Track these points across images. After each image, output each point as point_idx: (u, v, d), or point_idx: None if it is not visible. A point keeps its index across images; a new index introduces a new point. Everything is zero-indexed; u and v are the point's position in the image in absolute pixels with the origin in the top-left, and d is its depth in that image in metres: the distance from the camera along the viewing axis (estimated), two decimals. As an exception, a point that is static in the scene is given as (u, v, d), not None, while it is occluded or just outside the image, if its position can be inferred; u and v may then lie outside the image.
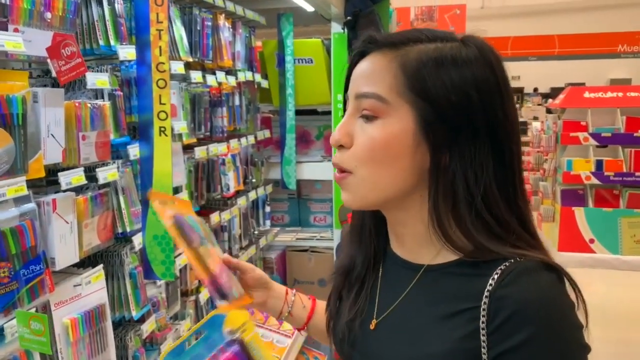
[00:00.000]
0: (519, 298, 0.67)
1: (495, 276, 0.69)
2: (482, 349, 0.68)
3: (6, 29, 1.27)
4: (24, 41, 1.29)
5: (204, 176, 2.38)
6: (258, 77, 2.95)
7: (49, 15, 1.40)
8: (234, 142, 2.65)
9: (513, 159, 0.75)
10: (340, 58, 2.94)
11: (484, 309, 0.68)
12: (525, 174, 7.35)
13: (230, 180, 2.61)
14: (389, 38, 0.77)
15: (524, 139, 7.45)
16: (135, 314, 1.71)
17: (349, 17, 2.76)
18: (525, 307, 0.66)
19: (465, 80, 0.72)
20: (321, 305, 1.03)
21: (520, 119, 8.55)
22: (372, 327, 0.82)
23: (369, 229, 0.87)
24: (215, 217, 2.44)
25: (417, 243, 0.79)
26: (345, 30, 2.84)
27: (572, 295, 0.71)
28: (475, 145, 0.72)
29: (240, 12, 2.63)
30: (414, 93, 0.72)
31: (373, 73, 0.75)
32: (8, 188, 1.23)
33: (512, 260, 0.70)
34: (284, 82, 3.11)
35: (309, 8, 2.83)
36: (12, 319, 1.25)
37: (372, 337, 0.81)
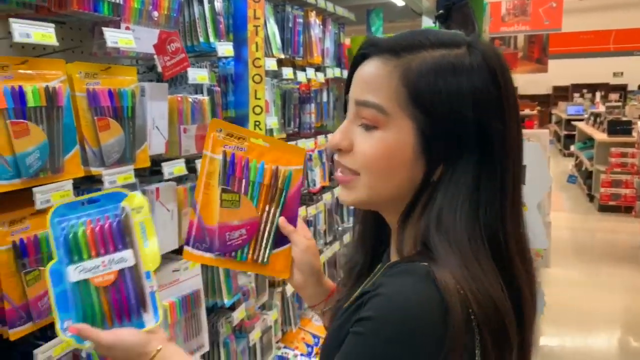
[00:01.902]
0: (383, 286, 0.66)
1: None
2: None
3: (119, 27, 1.36)
4: (134, 38, 1.38)
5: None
6: (346, 74, 2.95)
7: (156, 14, 1.48)
8: (320, 138, 2.67)
9: (506, 177, 0.71)
10: (431, 53, 2.86)
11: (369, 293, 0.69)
12: (629, 177, 6.78)
13: (317, 176, 2.63)
14: (391, 43, 0.73)
15: (628, 139, 6.88)
16: (227, 301, 1.77)
17: (441, 11, 2.67)
18: (380, 295, 0.66)
19: (463, 91, 0.69)
20: None
21: (624, 118, 7.90)
22: (345, 306, 0.84)
23: (370, 230, 0.88)
24: (301, 212, 2.47)
25: (394, 243, 0.79)
26: (437, 24, 2.76)
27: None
28: (468, 158, 0.70)
29: (331, 9, 2.65)
30: (414, 105, 0.70)
31: (373, 81, 0.73)
32: (118, 176, 1.32)
33: (418, 263, 0.68)
34: (371, 78, 3.08)
35: (400, 2, 2.79)
36: (119, 298, 1.34)
37: (337, 315, 0.85)
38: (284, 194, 0.92)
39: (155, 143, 1.48)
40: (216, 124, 0.92)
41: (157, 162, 1.51)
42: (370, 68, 0.74)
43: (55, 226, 0.88)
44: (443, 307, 0.63)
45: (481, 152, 0.70)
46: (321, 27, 2.60)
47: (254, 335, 1.99)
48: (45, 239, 1.15)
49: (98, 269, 0.88)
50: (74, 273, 0.87)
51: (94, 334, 0.85)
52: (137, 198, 0.91)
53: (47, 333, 1.22)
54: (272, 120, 2.09)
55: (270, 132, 2.16)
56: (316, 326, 2.59)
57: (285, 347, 2.34)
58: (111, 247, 0.89)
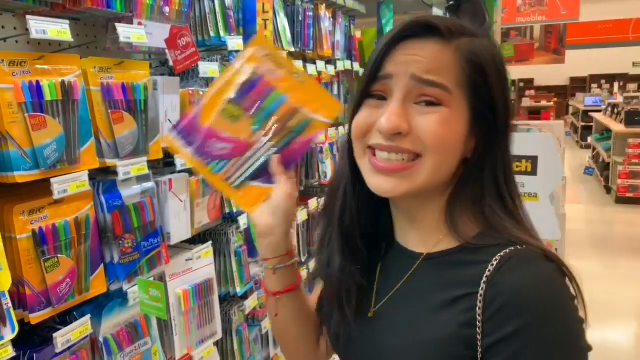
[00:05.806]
0: (515, 286, 0.65)
1: (495, 262, 0.68)
2: (477, 337, 0.67)
3: (131, 23, 1.40)
4: (146, 34, 1.42)
5: (302, 163, 2.45)
6: (357, 66, 2.96)
7: (167, 9, 1.51)
8: (331, 131, 2.70)
9: (511, 146, 0.79)
10: (441, 45, 2.87)
11: (480, 295, 0.67)
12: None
13: (328, 168, 2.66)
14: (447, 27, 0.73)
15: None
16: (239, 290, 1.81)
17: (451, 2, 2.68)
18: (521, 296, 0.64)
19: (503, 73, 0.76)
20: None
21: (644, 108, 7.71)
22: (370, 315, 0.82)
23: (358, 237, 0.84)
24: (313, 203, 2.50)
25: (424, 231, 0.79)
26: (448, 15, 2.76)
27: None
28: (500, 133, 0.76)
29: (341, 2, 2.66)
30: (471, 85, 0.73)
31: (438, 62, 0.72)
32: (132, 167, 1.36)
33: (513, 248, 0.69)
34: (382, 70, 3.09)
35: (410, -6, 2.80)
36: (134, 285, 1.39)
37: (371, 325, 0.81)
38: (291, 135, 0.85)
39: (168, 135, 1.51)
40: (261, 41, 0.86)
41: (169, 154, 1.55)
42: (429, 49, 0.73)
43: None
44: (566, 282, 0.67)
45: (505, 126, 0.76)
46: (331, 20, 2.61)
47: (267, 324, 2.03)
48: (63, 227, 1.20)
49: None
50: None
51: None
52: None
53: (66, 318, 1.28)
54: (282, 113, 2.12)
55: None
56: (328, 316, 2.62)
57: (297, 336, 2.38)
58: None
